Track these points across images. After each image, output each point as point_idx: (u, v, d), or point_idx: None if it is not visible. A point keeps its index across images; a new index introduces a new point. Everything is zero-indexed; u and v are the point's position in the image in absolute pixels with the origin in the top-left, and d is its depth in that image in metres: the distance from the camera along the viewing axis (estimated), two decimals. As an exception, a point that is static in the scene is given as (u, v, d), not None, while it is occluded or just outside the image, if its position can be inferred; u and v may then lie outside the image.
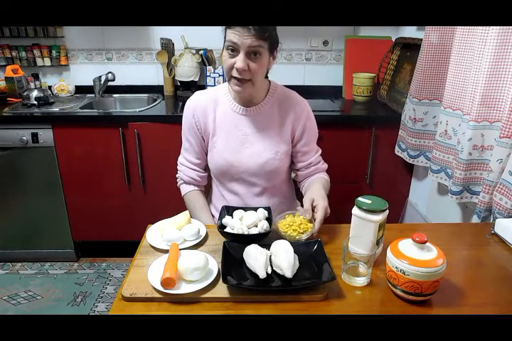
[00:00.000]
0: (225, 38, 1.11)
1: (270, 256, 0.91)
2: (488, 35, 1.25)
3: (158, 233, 1.05)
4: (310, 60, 2.44)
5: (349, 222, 0.96)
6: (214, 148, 1.27)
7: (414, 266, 0.78)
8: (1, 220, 2.14)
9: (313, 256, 0.94)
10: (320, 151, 1.35)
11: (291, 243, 0.93)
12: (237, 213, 1.08)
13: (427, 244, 0.82)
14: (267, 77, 1.25)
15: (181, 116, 1.30)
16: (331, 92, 2.42)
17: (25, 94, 2.11)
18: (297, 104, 1.26)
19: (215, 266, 0.91)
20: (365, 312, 0.81)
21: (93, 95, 2.33)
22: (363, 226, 0.93)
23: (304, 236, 1.01)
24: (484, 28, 1.28)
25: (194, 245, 1.01)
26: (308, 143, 1.29)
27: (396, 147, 1.97)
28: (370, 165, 2.07)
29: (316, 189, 1.17)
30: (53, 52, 2.33)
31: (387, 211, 0.93)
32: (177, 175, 1.37)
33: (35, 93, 2.10)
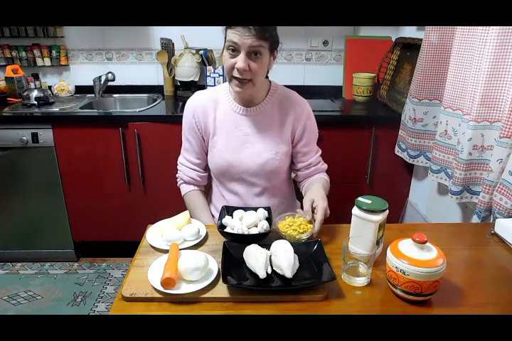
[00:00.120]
0: (225, 38, 1.11)
1: (270, 256, 0.91)
2: (488, 35, 1.25)
3: (158, 233, 1.05)
4: (310, 60, 2.44)
5: (349, 222, 0.96)
6: (214, 148, 1.27)
7: (414, 266, 0.78)
8: (1, 220, 2.14)
9: (313, 256, 0.94)
10: (320, 152, 1.35)
11: (291, 243, 0.93)
12: (237, 213, 1.08)
13: (427, 244, 0.82)
14: (267, 77, 1.25)
15: (181, 116, 1.30)
16: (331, 92, 2.42)
17: (25, 94, 2.11)
18: (297, 104, 1.26)
19: (215, 266, 0.91)
20: (365, 312, 0.81)
21: (93, 95, 2.33)
22: (363, 226, 0.93)
23: (304, 236, 1.01)
24: (484, 28, 1.28)
25: (194, 245, 1.01)
26: (309, 143, 1.29)
27: (396, 147, 1.97)
28: (370, 165, 2.07)
29: (316, 190, 1.17)
30: (53, 52, 2.33)
31: (387, 211, 0.93)
32: (177, 175, 1.37)
33: (35, 93, 2.10)
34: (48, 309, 1.88)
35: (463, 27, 1.40)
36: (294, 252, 0.90)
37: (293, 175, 1.40)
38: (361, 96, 2.26)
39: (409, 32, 2.15)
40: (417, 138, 1.79)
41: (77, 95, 2.37)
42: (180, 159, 1.36)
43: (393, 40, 2.25)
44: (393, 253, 0.82)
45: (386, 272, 0.85)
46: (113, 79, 2.27)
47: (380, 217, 0.91)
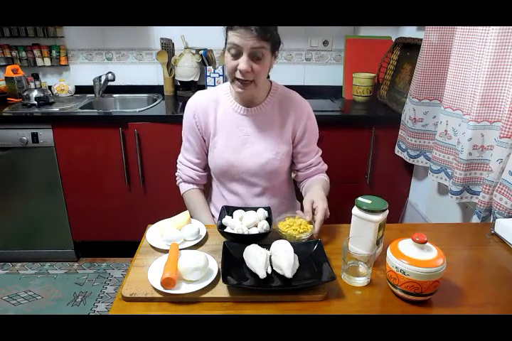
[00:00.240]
0: (226, 39, 1.10)
1: (270, 256, 0.91)
2: (488, 35, 1.25)
3: (158, 233, 1.05)
4: (310, 60, 2.44)
5: (349, 222, 0.96)
6: (215, 148, 1.27)
7: (414, 266, 0.78)
8: (1, 220, 2.14)
9: (313, 256, 0.94)
10: (320, 152, 1.35)
11: (291, 243, 0.93)
12: (237, 213, 1.08)
13: (427, 244, 0.82)
14: (268, 76, 1.25)
15: (181, 116, 1.30)
16: (331, 92, 2.42)
17: (25, 94, 2.11)
18: (298, 105, 1.26)
19: (215, 266, 0.91)
20: (365, 312, 0.81)
21: (93, 95, 2.33)
22: (363, 226, 0.93)
23: (304, 236, 1.01)
24: (484, 28, 1.28)
25: (194, 245, 1.01)
26: (309, 143, 1.29)
27: (396, 147, 1.97)
28: (370, 165, 2.07)
29: (316, 191, 1.17)
30: (53, 52, 2.33)
31: (387, 211, 0.93)
32: (176, 174, 1.37)
33: (35, 93, 2.10)
34: (48, 309, 1.88)
35: (463, 27, 1.40)
36: (294, 252, 0.90)
37: (293, 175, 1.40)
38: (361, 96, 2.26)
39: (409, 32, 2.15)
40: (417, 138, 1.79)
41: (77, 95, 2.37)
42: (180, 158, 1.36)
43: (393, 40, 2.25)
44: (393, 253, 0.82)
45: (386, 272, 0.85)
46: (113, 79, 2.27)
47: (380, 217, 0.91)
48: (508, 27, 1.21)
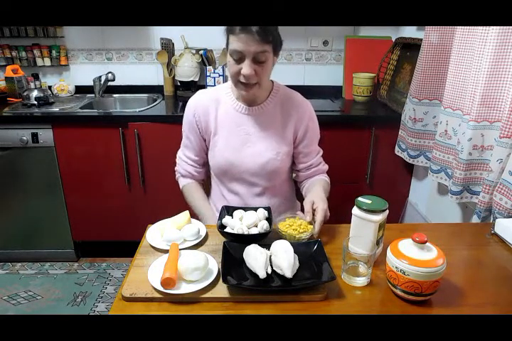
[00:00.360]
0: (227, 43, 1.10)
1: (270, 256, 0.91)
2: (488, 35, 1.25)
3: (158, 233, 1.05)
4: (310, 60, 2.44)
5: (349, 222, 0.96)
6: (215, 147, 1.27)
7: (414, 266, 0.78)
8: (1, 220, 2.14)
9: (313, 256, 0.94)
10: (321, 152, 1.35)
11: (291, 243, 0.93)
12: (237, 213, 1.08)
13: (427, 244, 0.82)
14: (269, 76, 1.25)
15: (181, 116, 1.31)
16: (331, 92, 2.42)
17: (25, 94, 2.11)
18: (300, 106, 1.26)
19: (215, 266, 0.91)
20: (365, 312, 0.81)
21: (93, 95, 2.33)
22: (363, 226, 0.93)
23: (304, 236, 1.01)
24: (484, 28, 1.28)
25: (194, 245, 1.01)
26: (310, 144, 1.29)
27: (396, 147, 1.97)
28: (370, 165, 2.07)
29: (317, 192, 1.17)
30: (53, 52, 2.33)
31: (387, 211, 0.93)
32: (175, 169, 1.39)
33: (35, 93, 2.10)
34: (48, 309, 1.88)
35: (463, 27, 1.40)
36: (294, 252, 0.90)
37: (293, 175, 1.40)
38: (361, 96, 2.26)
39: (409, 32, 2.15)
40: (417, 138, 1.79)
41: (77, 95, 2.37)
42: (179, 153, 1.37)
43: (393, 40, 2.25)
44: (393, 253, 0.82)
45: (386, 272, 0.85)
46: (113, 79, 2.27)
47: (380, 217, 0.91)
48: (508, 27, 1.21)
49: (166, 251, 0.96)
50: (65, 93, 2.34)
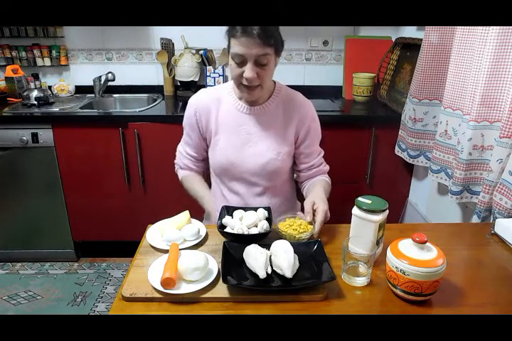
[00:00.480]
0: (228, 46, 1.10)
1: (270, 256, 0.91)
2: (488, 35, 1.25)
3: (158, 233, 1.05)
4: (310, 60, 2.44)
5: (349, 222, 0.96)
6: (216, 146, 1.27)
7: (414, 266, 0.78)
8: (1, 220, 2.14)
9: (313, 256, 0.94)
10: (322, 153, 1.34)
11: (291, 243, 0.93)
12: (237, 213, 1.08)
13: (427, 244, 0.82)
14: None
15: (181, 116, 1.31)
16: (331, 92, 2.42)
17: (25, 94, 2.11)
18: (301, 106, 1.26)
19: (215, 266, 0.91)
20: (365, 312, 0.81)
21: (93, 95, 2.33)
22: (363, 226, 0.93)
23: (304, 236, 1.01)
24: (484, 28, 1.28)
25: (194, 245, 1.01)
26: (312, 145, 1.29)
27: (396, 147, 1.97)
28: (370, 165, 2.07)
29: (317, 192, 1.17)
30: (53, 52, 2.33)
31: (387, 211, 0.93)
32: (175, 161, 1.40)
33: (35, 93, 2.10)
34: (48, 309, 1.88)
35: (463, 27, 1.40)
36: (294, 252, 0.90)
37: (294, 175, 1.40)
38: (361, 96, 2.26)
39: (409, 32, 2.15)
40: (417, 138, 1.79)
41: (77, 95, 2.37)
42: (179, 148, 1.38)
43: (393, 40, 2.25)
44: (393, 253, 0.82)
45: (386, 272, 0.85)
46: (113, 79, 2.27)
47: (380, 217, 0.91)
48: (508, 27, 1.21)
49: (166, 251, 0.96)
50: (65, 93, 2.34)
